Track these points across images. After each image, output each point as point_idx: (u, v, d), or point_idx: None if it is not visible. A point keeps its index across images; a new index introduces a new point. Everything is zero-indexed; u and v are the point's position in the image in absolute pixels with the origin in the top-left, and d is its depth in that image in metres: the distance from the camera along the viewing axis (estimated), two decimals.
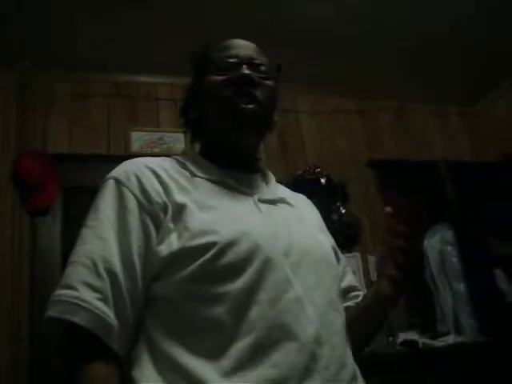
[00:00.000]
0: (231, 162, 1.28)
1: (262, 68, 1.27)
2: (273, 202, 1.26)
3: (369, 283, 3.64)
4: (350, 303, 1.35)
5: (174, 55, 3.55)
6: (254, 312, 1.00)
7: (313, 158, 4.02)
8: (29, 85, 3.57)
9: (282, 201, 1.30)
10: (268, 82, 1.27)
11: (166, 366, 0.99)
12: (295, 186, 3.64)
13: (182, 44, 3.32)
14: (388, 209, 1.16)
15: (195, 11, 3.24)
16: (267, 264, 1.04)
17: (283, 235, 1.13)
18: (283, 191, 1.39)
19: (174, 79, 3.85)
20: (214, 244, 1.02)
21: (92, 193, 3.49)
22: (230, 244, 1.03)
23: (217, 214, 1.10)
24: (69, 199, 3.43)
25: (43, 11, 3.11)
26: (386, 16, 3.47)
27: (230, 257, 1.02)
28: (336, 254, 1.32)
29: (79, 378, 0.96)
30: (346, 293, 1.36)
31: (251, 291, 1.01)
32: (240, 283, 1.01)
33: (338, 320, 1.12)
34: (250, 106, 1.20)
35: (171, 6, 3.19)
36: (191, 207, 1.09)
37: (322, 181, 3.70)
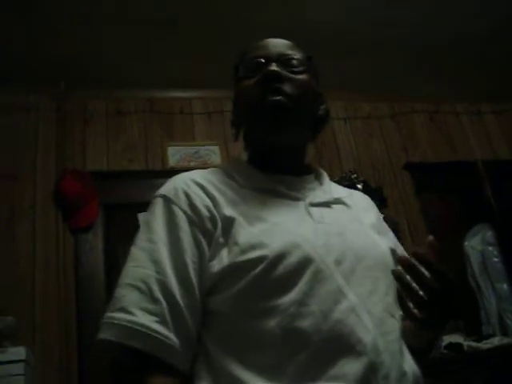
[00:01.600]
0: (280, 165, 1.25)
1: (294, 62, 1.24)
2: (326, 204, 1.22)
3: None
4: None
5: (206, 69, 3.61)
6: (308, 325, 0.97)
7: (349, 164, 4.02)
8: (66, 106, 3.66)
9: (337, 201, 1.25)
10: (299, 76, 1.23)
11: (226, 382, 0.98)
12: None
13: (214, 58, 3.37)
14: (431, 237, 1.01)
15: (223, 25, 3.27)
16: (317, 276, 1.01)
17: (336, 242, 1.09)
18: (338, 190, 1.33)
19: (207, 93, 3.91)
20: (263, 258, 1.00)
21: (132, 208, 3.55)
22: (280, 257, 1.00)
23: (266, 226, 1.07)
24: (109, 215, 3.49)
25: (76, 33, 3.19)
26: (416, 17, 3.45)
27: (280, 270, 1.00)
28: (394, 254, 1.23)
29: None
30: None
31: (303, 304, 0.98)
32: (290, 297, 0.99)
33: (396, 326, 1.07)
34: (276, 98, 1.17)
35: (200, 21, 3.23)
36: (240, 220, 1.08)
37: (359, 186, 3.69)
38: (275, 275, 1.00)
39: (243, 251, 1.02)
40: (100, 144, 3.66)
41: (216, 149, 3.76)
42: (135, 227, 3.36)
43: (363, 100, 4.37)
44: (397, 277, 0.97)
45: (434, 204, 4.06)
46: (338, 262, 1.05)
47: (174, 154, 3.69)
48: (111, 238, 3.43)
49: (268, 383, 0.94)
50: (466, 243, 3.98)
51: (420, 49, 3.80)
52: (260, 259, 1.00)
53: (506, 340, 3.40)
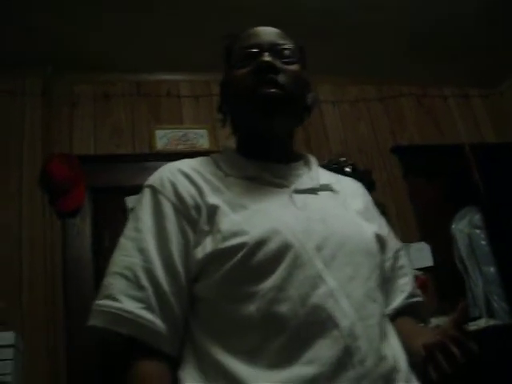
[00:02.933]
0: (268, 153, 1.28)
1: (286, 52, 1.25)
2: (312, 190, 1.24)
3: None
4: (400, 302, 1.28)
5: (194, 52, 3.58)
6: (285, 310, 1.00)
7: (337, 148, 4.02)
8: (52, 89, 3.63)
9: (324, 188, 1.27)
10: (292, 67, 1.24)
11: (209, 366, 1.02)
12: None
13: (202, 41, 3.35)
14: (463, 303, 1.05)
15: (212, 8, 3.24)
16: (296, 262, 1.04)
17: (317, 229, 1.11)
18: (326, 177, 1.34)
19: (195, 76, 3.89)
20: (243, 245, 1.04)
21: (119, 192, 3.53)
22: (259, 244, 1.04)
23: (247, 214, 1.10)
24: (96, 199, 3.48)
25: (63, 15, 3.15)
26: (404, 1, 3.44)
27: (260, 257, 1.03)
28: (381, 240, 1.26)
29: (131, 379, 1.02)
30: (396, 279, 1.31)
31: (281, 289, 1.02)
32: (269, 282, 1.02)
33: (376, 311, 1.09)
34: (272, 90, 1.18)
35: (189, 4, 3.20)
36: (223, 208, 1.11)
37: (347, 170, 3.69)
38: (255, 261, 1.03)
39: (225, 238, 1.06)
40: (87, 128, 3.64)
41: (204, 132, 3.74)
42: (122, 211, 3.37)
43: (351, 83, 4.35)
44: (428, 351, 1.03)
45: (421, 187, 4.07)
46: (319, 248, 1.07)
47: (162, 137, 3.67)
48: (98, 221, 3.42)
49: (246, 366, 0.98)
50: (453, 226, 4.00)
51: (408, 32, 3.79)
52: (240, 246, 1.04)
53: (492, 322, 3.43)
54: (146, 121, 3.76)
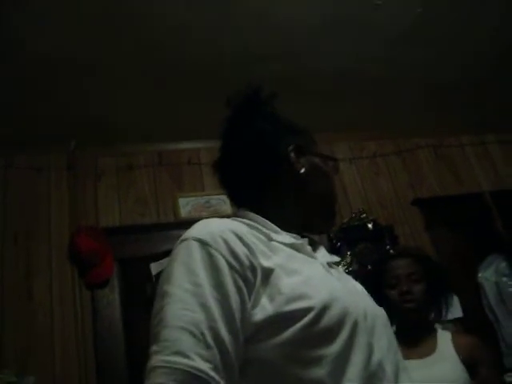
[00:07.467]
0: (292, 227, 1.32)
1: None
2: (331, 264, 1.29)
3: None
4: None
5: (211, 120, 3.67)
6: (352, 374, 1.02)
7: (357, 204, 4.04)
8: (76, 163, 3.74)
9: (335, 263, 1.32)
10: None
11: None
12: (343, 234, 3.64)
13: (215, 111, 3.44)
14: None
15: (228, 77, 3.32)
16: (355, 328, 1.07)
17: (358, 299, 1.17)
18: (326, 252, 1.39)
19: (213, 143, 3.96)
20: (310, 309, 1.03)
21: (145, 261, 3.55)
22: (325, 308, 1.04)
23: (303, 278, 1.10)
24: (124, 270, 3.53)
25: (82, 90, 3.27)
26: (416, 56, 3.50)
27: (326, 321, 1.03)
28: None
29: None
30: None
31: (346, 354, 1.04)
32: (336, 346, 1.03)
33: (408, 380, 1.15)
34: None
35: (205, 75, 3.32)
36: (278, 271, 1.09)
37: (369, 226, 3.72)
38: (322, 326, 1.03)
39: (289, 301, 1.04)
40: (112, 199, 3.73)
41: (226, 198, 3.79)
42: (150, 279, 3.38)
43: (368, 139, 4.41)
44: None
45: (444, 238, 4.07)
46: (365, 318, 1.11)
47: (185, 204, 3.73)
48: (127, 291, 3.47)
49: None
50: (479, 275, 3.97)
51: (421, 84, 3.86)
52: (307, 309, 1.03)
53: None
54: (169, 189, 3.84)
